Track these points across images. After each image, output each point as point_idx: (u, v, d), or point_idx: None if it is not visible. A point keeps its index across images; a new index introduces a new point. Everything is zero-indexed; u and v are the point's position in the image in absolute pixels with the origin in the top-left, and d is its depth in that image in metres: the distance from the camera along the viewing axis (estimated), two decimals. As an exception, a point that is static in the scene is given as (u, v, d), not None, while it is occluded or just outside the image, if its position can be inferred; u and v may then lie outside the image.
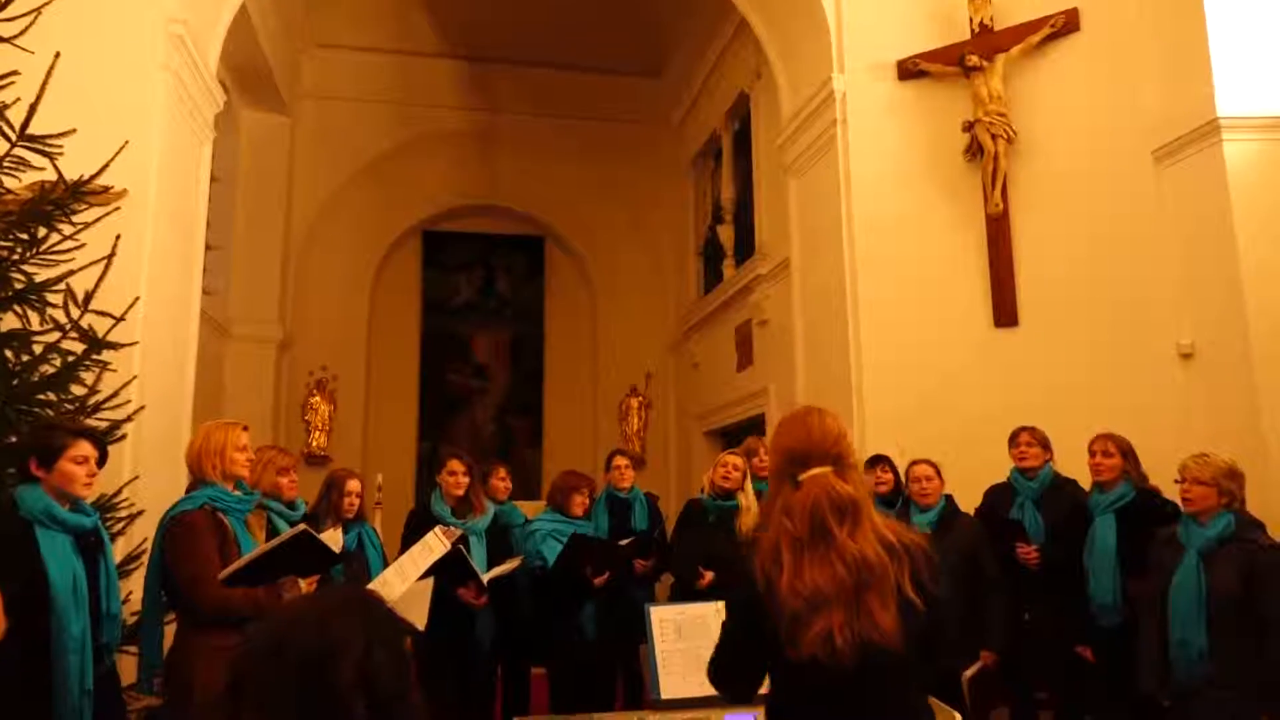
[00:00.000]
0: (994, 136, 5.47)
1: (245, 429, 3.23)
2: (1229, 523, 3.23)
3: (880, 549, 1.74)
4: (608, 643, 4.50)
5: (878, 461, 4.63)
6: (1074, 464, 4.19)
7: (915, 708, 1.81)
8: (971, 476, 4.49)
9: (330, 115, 9.45)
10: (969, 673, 3.95)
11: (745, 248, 8.34)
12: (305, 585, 3.08)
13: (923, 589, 1.73)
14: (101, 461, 2.81)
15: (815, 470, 1.81)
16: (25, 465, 2.70)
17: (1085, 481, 4.16)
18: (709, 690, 2.99)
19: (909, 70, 5.82)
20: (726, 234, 8.86)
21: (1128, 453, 4.00)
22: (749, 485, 4.59)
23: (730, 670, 1.90)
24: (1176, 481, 3.44)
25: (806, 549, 1.74)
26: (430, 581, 3.50)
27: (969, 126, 5.57)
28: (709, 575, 4.39)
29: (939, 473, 4.25)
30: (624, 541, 4.50)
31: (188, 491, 3.13)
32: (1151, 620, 3.40)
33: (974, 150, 5.59)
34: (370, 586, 3.33)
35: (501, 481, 4.86)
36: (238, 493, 3.15)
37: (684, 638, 3.13)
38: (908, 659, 1.72)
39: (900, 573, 1.73)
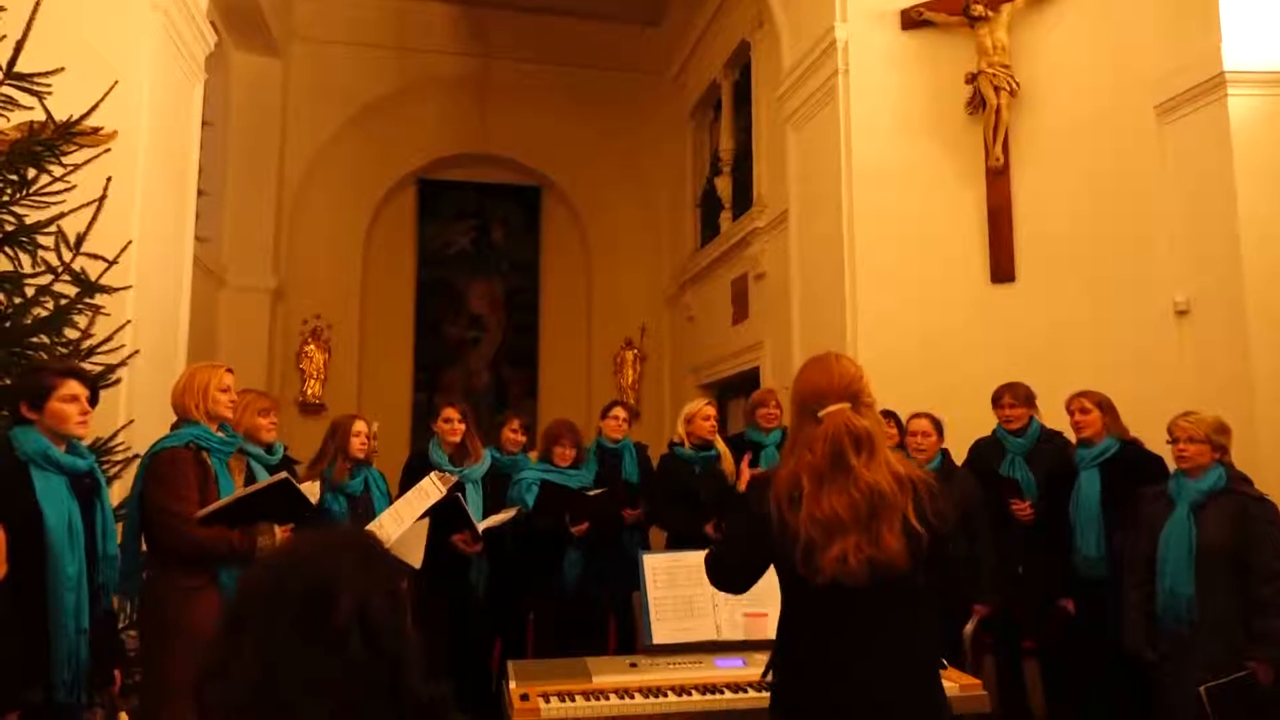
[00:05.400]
0: (997, 89, 5.41)
1: (230, 370, 3.23)
2: (1220, 476, 3.28)
3: (892, 480, 1.88)
4: (591, 590, 4.56)
5: (884, 417, 4.67)
6: (1067, 420, 4.21)
7: (921, 622, 1.95)
8: (965, 431, 4.52)
9: (323, 59, 9.28)
10: (968, 629, 4.03)
11: (743, 200, 8.28)
12: (280, 532, 3.11)
13: (925, 519, 1.88)
14: (93, 401, 2.79)
15: (834, 406, 1.94)
16: (17, 409, 2.69)
17: (1074, 436, 4.18)
18: (699, 636, 3.07)
19: (913, 19, 5.73)
20: (724, 186, 8.78)
21: (1105, 407, 4.02)
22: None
23: (730, 571, 2.09)
24: (1169, 442, 3.47)
25: (826, 479, 1.88)
26: (426, 522, 3.53)
27: (972, 78, 5.50)
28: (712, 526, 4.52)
29: (938, 428, 4.27)
30: (593, 492, 4.54)
31: (172, 429, 3.13)
32: (1136, 578, 3.45)
33: (976, 103, 5.52)
34: (366, 529, 3.36)
35: (514, 433, 4.90)
36: (221, 434, 3.16)
37: (676, 585, 3.17)
38: (913, 578, 1.87)
39: (906, 503, 1.87)
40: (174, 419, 3.21)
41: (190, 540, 2.89)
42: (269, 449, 3.76)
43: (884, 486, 1.86)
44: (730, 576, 2.11)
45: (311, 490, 3.33)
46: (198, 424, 3.08)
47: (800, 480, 1.89)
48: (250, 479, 3.32)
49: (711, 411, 4.86)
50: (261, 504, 3.01)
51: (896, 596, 1.87)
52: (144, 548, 3.08)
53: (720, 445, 4.81)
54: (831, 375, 2.00)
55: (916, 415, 4.29)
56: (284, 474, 3.09)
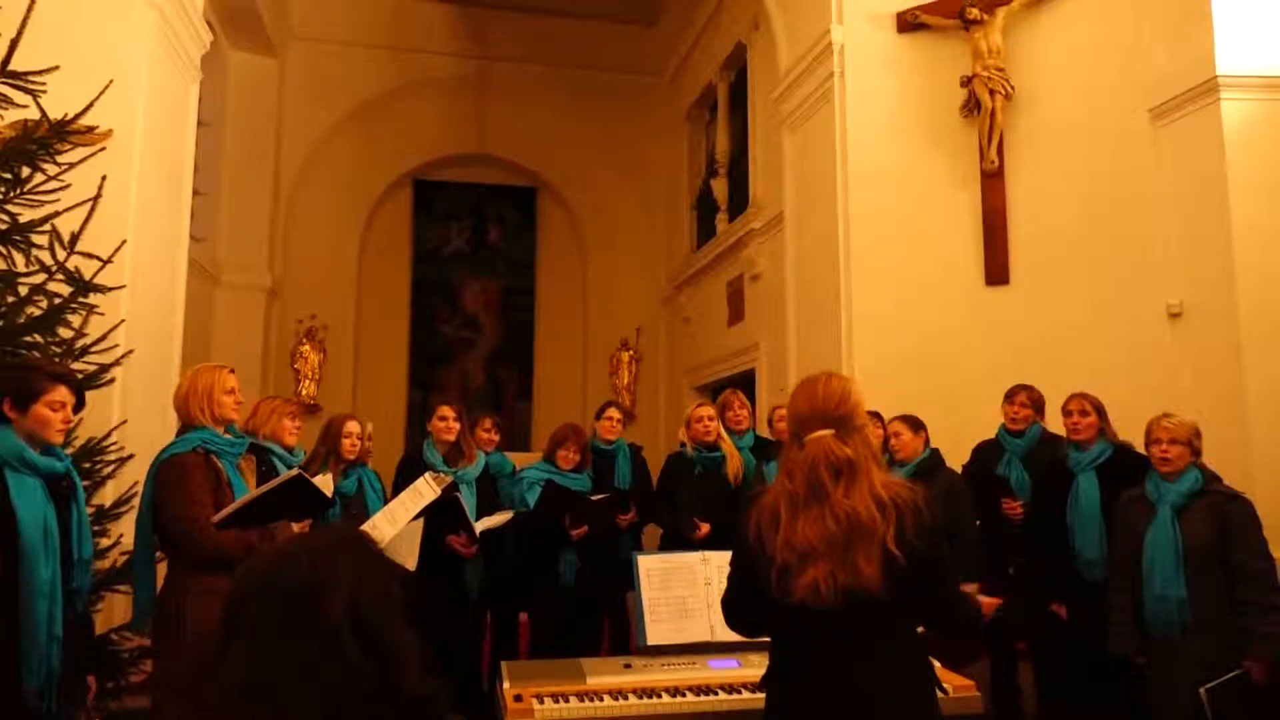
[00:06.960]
0: (992, 92, 5.43)
1: (232, 371, 3.15)
2: (1197, 477, 3.29)
3: (873, 506, 1.85)
4: (587, 591, 4.56)
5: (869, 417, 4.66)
6: (1060, 422, 4.22)
7: (899, 648, 1.93)
8: (960, 433, 4.53)
9: (320, 58, 9.28)
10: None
11: (739, 202, 8.29)
12: (297, 529, 3.09)
13: (905, 543, 1.84)
14: (78, 408, 2.70)
15: (818, 433, 1.94)
16: None
17: (1065, 432, 4.19)
18: (693, 637, 3.07)
19: (908, 22, 5.75)
20: (720, 187, 8.80)
21: (1101, 411, 4.03)
22: (724, 433, 4.80)
23: (735, 609, 2.12)
24: (1149, 444, 3.47)
25: (803, 506, 1.89)
26: (420, 523, 3.52)
27: (967, 81, 5.52)
28: (705, 527, 4.49)
29: (913, 428, 4.27)
30: (597, 496, 4.54)
31: (178, 435, 3.08)
32: (1120, 582, 3.45)
33: (971, 105, 5.54)
34: (360, 529, 3.34)
35: (486, 433, 4.86)
36: (229, 436, 3.11)
37: (670, 586, 3.17)
38: (890, 605, 1.85)
39: (886, 529, 1.84)
40: (167, 417, 3.19)
41: (210, 545, 2.84)
42: (290, 451, 3.77)
43: (862, 514, 1.84)
44: (737, 616, 2.12)
45: (325, 483, 3.28)
46: (205, 428, 3.01)
47: (778, 506, 1.91)
48: (266, 480, 3.26)
49: (704, 412, 4.83)
50: (277, 502, 2.96)
51: (874, 621, 1.86)
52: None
53: (727, 446, 4.75)
54: (815, 400, 1.97)
55: (893, 419, 4.30)
56: (297, 470, 3.05)
